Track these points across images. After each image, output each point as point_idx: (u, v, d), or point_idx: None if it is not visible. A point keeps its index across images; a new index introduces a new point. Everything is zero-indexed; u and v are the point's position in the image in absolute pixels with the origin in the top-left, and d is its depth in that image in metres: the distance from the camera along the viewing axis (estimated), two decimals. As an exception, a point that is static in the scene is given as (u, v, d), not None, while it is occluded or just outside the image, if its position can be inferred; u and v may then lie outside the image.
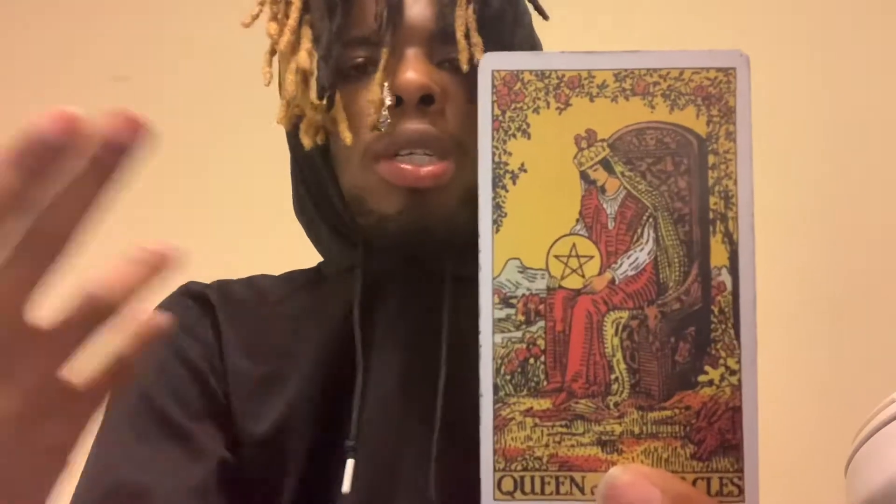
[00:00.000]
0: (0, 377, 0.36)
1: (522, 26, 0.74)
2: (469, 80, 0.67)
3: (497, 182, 0.36)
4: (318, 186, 0.74)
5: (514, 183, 0.36)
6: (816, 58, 1.40)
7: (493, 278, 0.36)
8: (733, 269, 0.36)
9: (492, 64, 0.37)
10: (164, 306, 0.75)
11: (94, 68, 1.61)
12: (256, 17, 0.72)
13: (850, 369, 1.30)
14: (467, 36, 0.67)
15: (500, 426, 0.36)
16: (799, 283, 1.34)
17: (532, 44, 0.76)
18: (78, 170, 0.34)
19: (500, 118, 0.37)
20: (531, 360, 0.36)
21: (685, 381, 0.36)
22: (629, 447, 0.36)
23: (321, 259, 0.80)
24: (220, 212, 1.55)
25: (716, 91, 0.36)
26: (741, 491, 0.35)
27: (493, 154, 0.37)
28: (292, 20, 0.69)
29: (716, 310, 0.36)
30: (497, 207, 0.36)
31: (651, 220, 0.36)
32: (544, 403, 0.36)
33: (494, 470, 0.36)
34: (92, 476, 0.66)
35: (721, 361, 0.36)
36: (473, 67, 0.66)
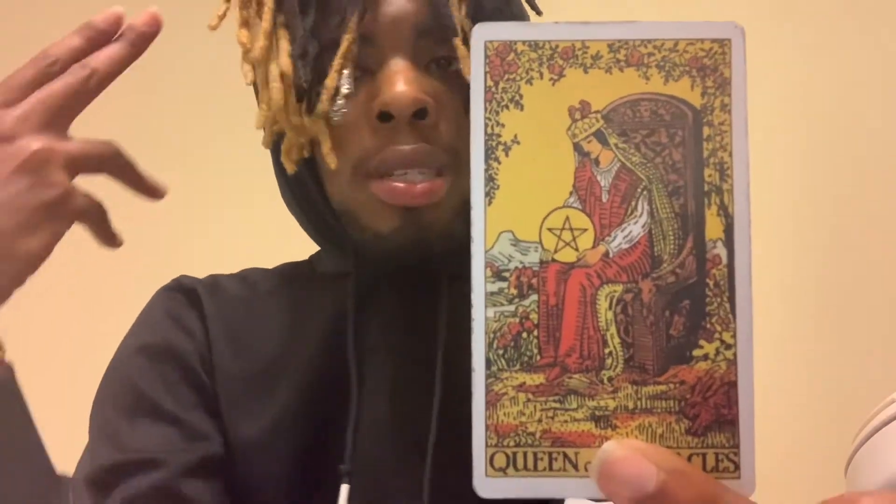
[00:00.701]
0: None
1: None
2: (463, 85, 0.64)
3: (490, 154, 0.36)
4: (306, 199, 0.72)
5: (507, 155, 0.36)
6: (810, 37, 1.40)
7: (486, 251, 0.36)
8: (728, 242, 0.35)
9: (485, 34, 0.36)
10: (154, 300, 0.74)
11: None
12: (223, 16, 0.67)
13: (850, 369, 1.30)
14: (465, 41, 0.62)
15: (492, 402, 0.35)
16: (799, 281, 1.34)
17: None
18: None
19: (493, 89, 0.36)
20: (524, 335, 0.35)
21: (680, 355, 0.35)
22: (623, 422, 0.35)
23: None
24: (220, 210, 1.55)
25: (711, 62, 0.36)
26: (737, 467, 0.35)
27: (486, 125, 0.36)
28: (265, 23, 0.64)
29: (711, 283, 0.35)
30: (490, 179, 0.36)
31: (645, 192, 0.36)
32: (537, 378, 0.35)
33: (486, 446, 0.35)
34: (95, 454, 0.66)
35: (716, 335, 0.35)
36: None
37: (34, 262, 0.52)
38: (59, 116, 0.54)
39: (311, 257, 0.79)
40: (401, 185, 0.64)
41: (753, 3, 1.40)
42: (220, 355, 0.70)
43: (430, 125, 0.64)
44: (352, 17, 0.62)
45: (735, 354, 0.35)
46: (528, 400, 0.35)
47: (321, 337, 0.70)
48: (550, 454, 0.35)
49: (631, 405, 0.35)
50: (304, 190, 0.71)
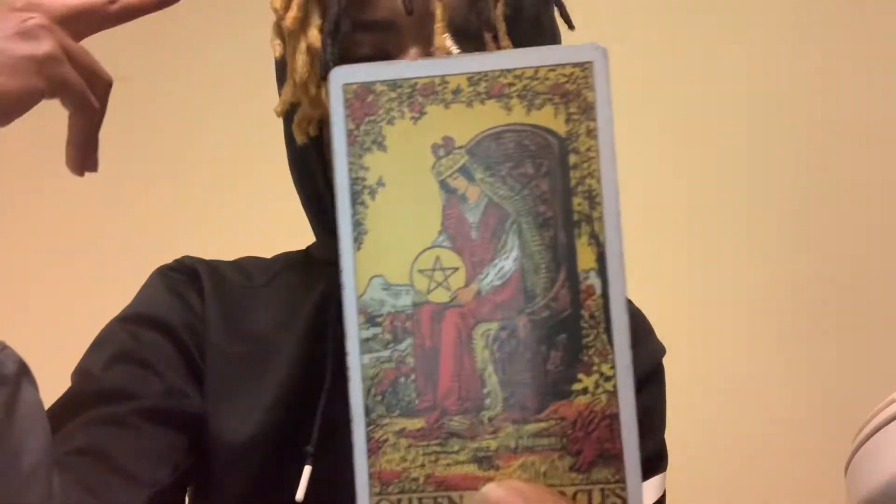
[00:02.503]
0: None
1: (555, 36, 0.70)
2: None
3: (356, 198, 0.35)
4: (309, 177, 0.72)
5: (373, 198, 0.35)
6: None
7: (358, 297, 0.35)
8: (602, 272, 0.34)
9: (342, 77, 0.36)
10: (154, 276, 0.75)
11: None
12: None
13: (849, 369, 1.27)
14: (496, 39, 0.62)
15: (374, 449, 0.35)
16: (797, 283, 1.31)
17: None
18: None
19: (355, 132, 0.36)
20: (401, 380, 0.35)
21: (559, 390, 0.34)
22: (506, 462, 0.34)
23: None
24: (221, 210, 1.57)
25: (573, 88, 0.35)
26: (624, 502, 0.34)
27: (350, 170, 0.36)
28: None
29: (586, 314, 0.34)
30: (357, 224, 0.35)
31: (515, 226, 0.35)
32: (417, 423, 0.35)
33: (370, 495, 0.35)
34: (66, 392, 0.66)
35: (595, 368, 0.34)
36: None
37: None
38: (73, 21, 0.55)
39: (310, 246, 0.79)
40: None
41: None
42: (216, 334, 0.70)
43: None
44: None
45: (615, 386, 0.34)
46: (410, 445, 0.35)
47: (311, 322, 0.70)
48: (435, 499, 0.35)
49: (513, 444, 0.34)
50: (308, 168, 0.72)
